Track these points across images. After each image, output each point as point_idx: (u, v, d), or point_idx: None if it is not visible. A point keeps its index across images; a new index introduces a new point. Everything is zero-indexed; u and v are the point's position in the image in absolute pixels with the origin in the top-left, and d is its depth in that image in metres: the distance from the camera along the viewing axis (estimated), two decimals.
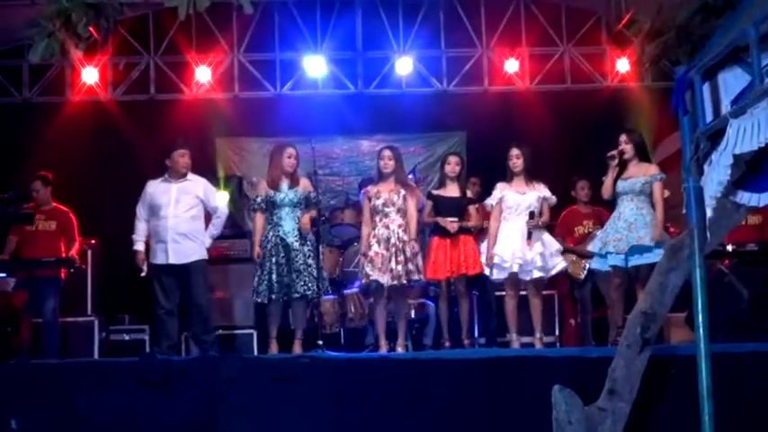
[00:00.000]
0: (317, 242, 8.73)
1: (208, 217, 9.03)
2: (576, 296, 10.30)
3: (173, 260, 8.69)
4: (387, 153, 8.92)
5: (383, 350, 8.67)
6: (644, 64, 10.54)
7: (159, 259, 8.75)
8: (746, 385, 6.73)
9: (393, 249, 8.61)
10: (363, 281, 8.75)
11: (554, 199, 8.98)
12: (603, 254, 8.48)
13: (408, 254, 8.64)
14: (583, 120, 12.23)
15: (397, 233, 8.66)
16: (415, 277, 8.72)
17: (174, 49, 12.61)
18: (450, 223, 8.85)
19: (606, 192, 8.58)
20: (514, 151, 8.91)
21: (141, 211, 8.91)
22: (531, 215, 8.73)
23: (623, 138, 8.63)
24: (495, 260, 8.71)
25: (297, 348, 8.62)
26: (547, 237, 8.91)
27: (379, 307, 8.82)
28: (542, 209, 8.84)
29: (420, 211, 9.25)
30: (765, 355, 6.95)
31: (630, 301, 8.67)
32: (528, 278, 8.77)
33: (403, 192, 8.80)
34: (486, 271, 8.86)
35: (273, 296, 8.60)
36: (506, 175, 8.94)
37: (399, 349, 8.73)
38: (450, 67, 12.96)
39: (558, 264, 8.89)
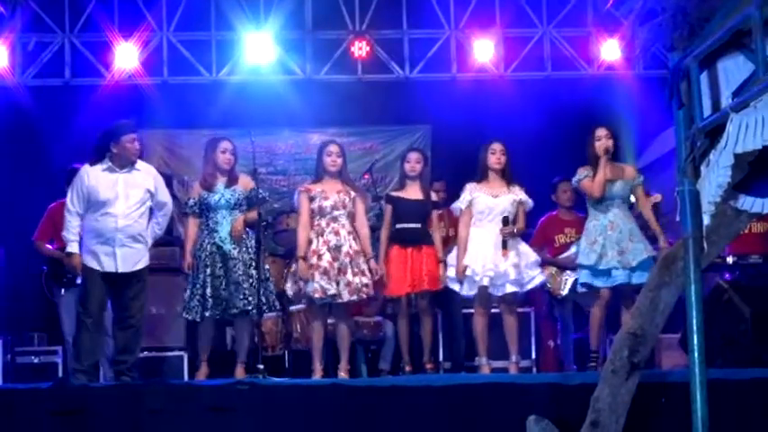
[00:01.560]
0: (258, 249, 8.67)
1: None
2: (555, 315, 10.35)
3: (122, 268, 8.38)
4: (335, 149, 8.90)
5: (317, 375, 8.65)
6: (635, 49, 10.64)
7: (104, 266, 8.36)
8: (747, 417, 6.80)
9: (347, 259, 8.62)
10: (317, 296, 8.59)
11: (531, 203, 9.00)
12: (605, 269, 8.55)
13: (362, 266, 8.67)
14: (565, 112, 12.28)
15: (349, 241, 8.68)
16: (372, 292, 8.77)
17: (93, 26, 12.54)
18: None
19: (600, 189, 8.63)
20: (498, 146, 8.93)
21: (75, 203, 8.42)
22: (506, 221, 8.74)
23: (605, 132, 8.74)
24: (468, 272, 8.73)
25: (239, 373, 8.61)
26: (523, 246, 8.94)
27: (320, 324, 8.82)
28: (518, 214, 8.88)
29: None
30: None
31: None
32: (500, 293, 8.80)
33: (353, 194, 8.83)
34: (456, 286, 8.89)
35: (207, 313, 8.59)
36: (477, 175, 8.97)
37: (342, 374, 8.71)
38: (413, 51, 12.99)
39: (536, 277, 8.89)
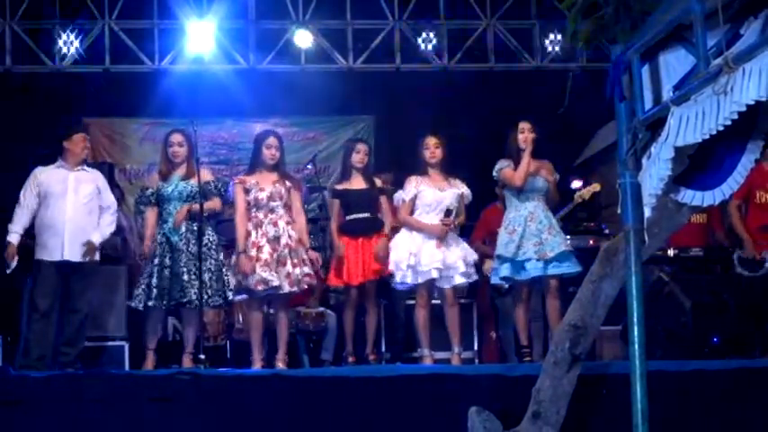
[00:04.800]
0: (200, 240, 8.65)
1: None
2: (497, 306, 10.38)
3: (68, 256, 8.59)
4: (274, 142, 8.87)
5: (257, 366, 8.62)
6: (577, 42, 10.69)
7: (51, 255, 8.60)
8: (687, 409, 6.86)
9: (286, 250, 8.59)
10: (259, 288, 8.54)
11: (470, 196, 9.06)
12: (520, 260, 8.60)
13: (303, 255, 8.65)
14: (508, 104, 12.30)
15: (288, 231, 8.66)
16: (313, 281, 8.77)
17: (34, 13, 12.42)
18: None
19: (523, 179, 8.68)
20: (432, 140, 8.95)
21: (27, 198, 8.74)
22: (448, 213, 8.78)
23: (528, 126, 8.81)
24: (411, 261, 8.74)
25: (186, 362, 8.60)
26: (462, 243, 8.99)
27: (258, 316, 8.79)
28: (460, 208, 8.92)
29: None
30: (709, 374, 7.09)
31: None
32: (449, 285, 8.82)
33: (288, 184, 8.80)
34: (397, 276, 8.90)
35: (150, 303, 8.57)
36: (419, 167, 8.98)
37: (280, 365, 8.66)
38: (356, 42, 12.97)
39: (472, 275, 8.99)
